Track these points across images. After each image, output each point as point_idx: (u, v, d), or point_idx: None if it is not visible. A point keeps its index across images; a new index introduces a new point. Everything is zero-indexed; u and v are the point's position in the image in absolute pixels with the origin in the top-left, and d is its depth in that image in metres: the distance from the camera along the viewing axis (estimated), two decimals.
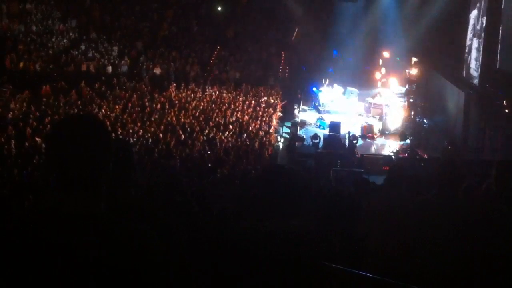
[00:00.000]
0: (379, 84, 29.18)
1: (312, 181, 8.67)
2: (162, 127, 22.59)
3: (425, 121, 24.59)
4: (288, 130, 25.94)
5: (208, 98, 27.14)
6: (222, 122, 23.77)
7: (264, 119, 24.90)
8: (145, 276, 1.83)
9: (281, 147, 24.11)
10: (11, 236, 1.81)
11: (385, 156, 21.86)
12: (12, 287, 1.76)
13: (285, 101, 27.67)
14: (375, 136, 24.67)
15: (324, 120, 25.97)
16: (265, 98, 27.66)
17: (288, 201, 2.66)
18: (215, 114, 24.70)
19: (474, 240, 3.81)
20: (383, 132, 25.01)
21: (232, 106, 26.00)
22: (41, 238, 1.79)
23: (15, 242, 1.79)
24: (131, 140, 20.02)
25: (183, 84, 28.95)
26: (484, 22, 20.79)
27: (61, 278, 1.75)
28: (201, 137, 21.74)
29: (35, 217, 1.85)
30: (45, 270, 1.76)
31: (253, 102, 26.83)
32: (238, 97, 27.62)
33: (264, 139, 22.56)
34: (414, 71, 26.30)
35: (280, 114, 26.70)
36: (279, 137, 24.90)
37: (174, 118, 23.74)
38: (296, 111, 27.73)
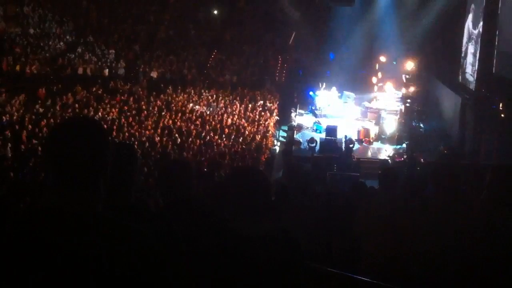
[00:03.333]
0: (375, 88, 29.22)
1: (307, 184, 8.69)
2: (158, 130, 22.59)
3: (421, 125, 24.65)
4: (285, 134, 25.94)
5: (204, 102, 27.17)
6: (219, 126, 23.78)
7: (260, 122, 24.93)
8: (144, 277, 1.84)
9: (277, 150, 24.11)
10: (9, 236, 1.81)
11: (381, 160, 21.86)
12: None
13: (278, 103, 27.71)
14: (371, 140, 24.68)
15: (320, 124, 25.98)
16: (262, 102, 27.69)
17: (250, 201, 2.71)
18: (211, 118, 24.72)
19: (469, 243, 3.82)
20: (380, 136, 25.01)
21: (229, 109, 26.02)
22: (40, 238, 1.79)
23: (13, 242, 1.79)
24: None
25: (180, 88, 28.98)
26: (480, 27, 20.86)
27: (60, 278, 1.75)
28: (198, 141, 21.75)
29: (33, 217, 1.86)
30: (44, 270, 1.76)
31: (249, 105, 26.85)
32: (234, 100, 27.65)
33: (261, 143, 22.58)
34: (410, 76, 26.35)
35: (276, 117, 26.71)
36: (275, 141, 24.91)
37: (170, 122, 23.75)
38: (292, 115, 27.74)
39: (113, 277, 1.79)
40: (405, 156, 21.97)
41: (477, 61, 21.06)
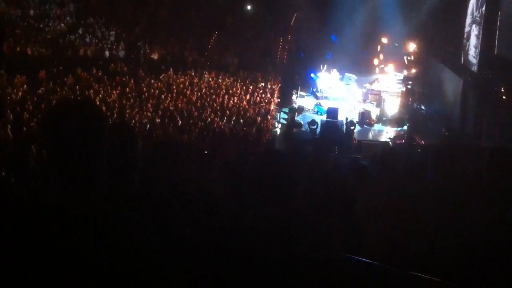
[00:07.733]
0: (377, 70, 29.14)
1: (309, 166, 8.68)
2: (159, 112, 22.54)
3: (422, 107, 24.60)
4: (286, 116, 25.91)
5: (205, 84, 27.08)
6: (220, 108, 23.73)
7: (261, 105, 24.87)
8: (144, 273, 1.83)
9: (278, 133, 24.10)
10: (10, 233, 1.79)
11: (382, 142, 21.87)
12: (12, 285, 1.75)
13: (279, 85, 27.55)
14: (372, 123, 24.66)
15: (321, 106, 25.95)
16: (263, 83, 27.60)
17: (283, 185, 2.71)
18: (212, 100, 24.65)
19: (469, 225, 3.83)
20: (381, 119, 25.00)
21: (230, 91, 25.94)
22: (40, 235, 1.77)
23: (14, 239, 1.78)
24: None
25: (180, 70, 28.86)
26: (483, 8, 20.71)
27: (60, 275, 1.74)
28: (199, 123, 21.71)
29: (34, 214, 1.83)
30: (44, 267, 1.74)
31: (250, 87, 26.77)
32: (235, 82, 27.56)
33: (262, 125, 22.54)
34: (412, 58, 26.25)
35: (277, 99, 26.65)
36: (276, 123, 24.88)
37: (171, 104, 23.69)
38: (294, 97, 27.68)
39: (113, 273, 1.77)
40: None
41: (479, 43, 20.94)
